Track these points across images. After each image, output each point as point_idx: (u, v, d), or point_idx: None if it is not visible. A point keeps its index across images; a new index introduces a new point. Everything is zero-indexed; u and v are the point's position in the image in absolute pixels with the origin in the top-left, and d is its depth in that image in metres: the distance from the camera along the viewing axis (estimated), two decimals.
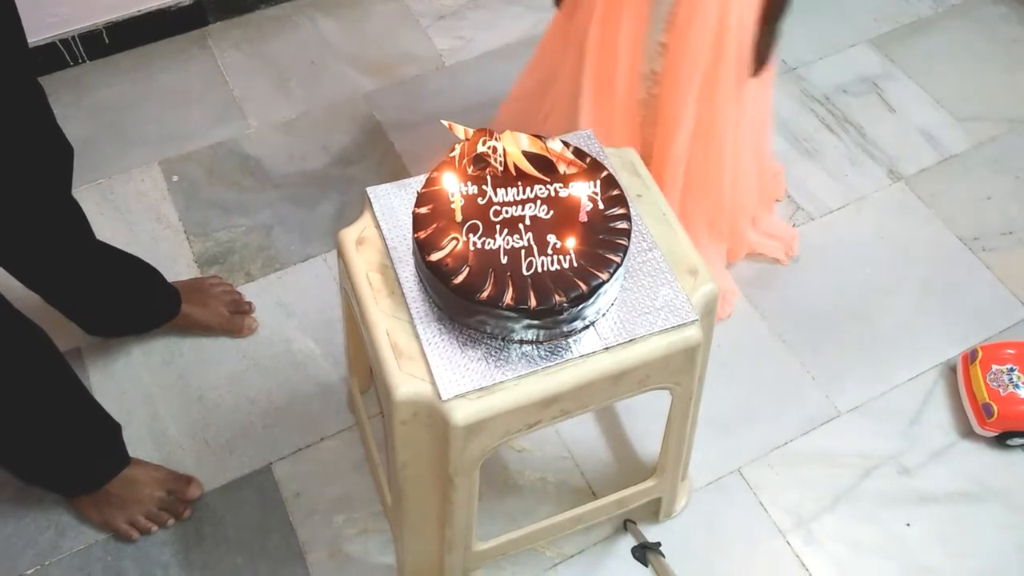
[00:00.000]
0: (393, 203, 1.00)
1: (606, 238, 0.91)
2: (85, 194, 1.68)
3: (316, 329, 1.51)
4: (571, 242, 0.90)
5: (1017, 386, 1.35)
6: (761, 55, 1.26)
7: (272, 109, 1.81)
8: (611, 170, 0.99)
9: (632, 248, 0.97)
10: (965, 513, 1.34)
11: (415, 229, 0.91)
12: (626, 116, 1.34)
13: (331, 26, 1.94)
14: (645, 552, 1.17)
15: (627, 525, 1.29)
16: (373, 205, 1.00)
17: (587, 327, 0.91)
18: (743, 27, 1.23)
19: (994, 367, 1.38)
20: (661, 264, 0.95)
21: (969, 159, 1.74)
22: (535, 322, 0.87)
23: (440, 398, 0.87)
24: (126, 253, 1.38)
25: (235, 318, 1.51)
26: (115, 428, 1.30)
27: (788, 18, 1.25)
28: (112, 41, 1.86)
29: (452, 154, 0.94)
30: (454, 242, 0.90)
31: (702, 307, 0.95)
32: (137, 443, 1.39)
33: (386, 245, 0.97)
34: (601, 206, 0.93)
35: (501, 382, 0.88)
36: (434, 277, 0.89)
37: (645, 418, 1.40)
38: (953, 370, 1.46)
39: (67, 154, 1.17)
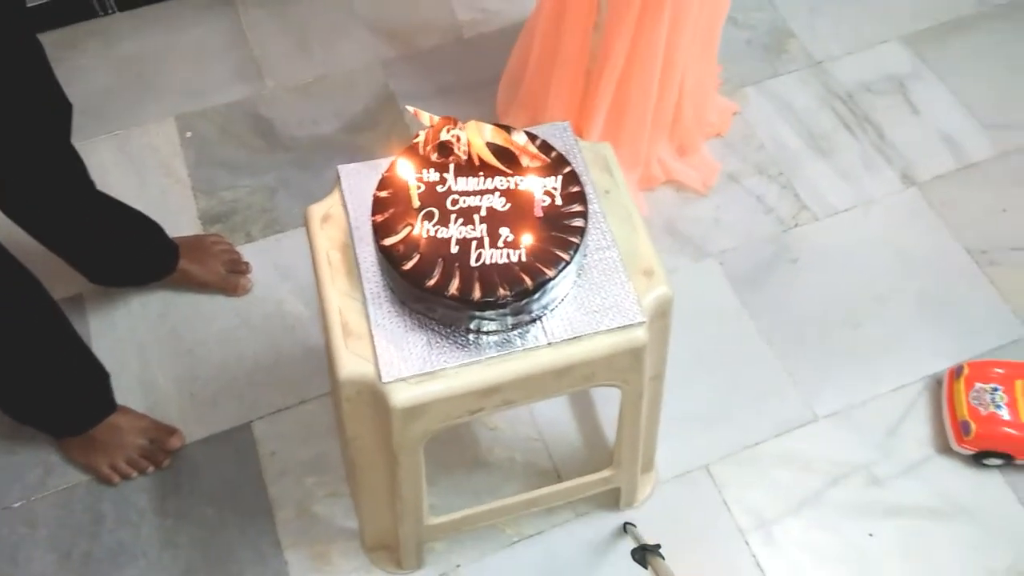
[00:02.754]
0: (362, 183, 1.02)
1: (559, 235, 0.91)
2: (101, 144, 1.73)
3: (308, 293, 1.55)
4: (524, 236, 0.90)
5: (999, 406, 1.32)
6: None
7: (290, 71, 1.83)
8: (577, 166, 0.99)
9: (590, 245, 0.97)
10: (931, 529, 1.32)
11: (373, 212, 0.93)
12: (573, 68, 1.43)
13: None
14: (645, 554, 1.18)
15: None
16: (342, 183, 1.02)
17: (533, 321, 0.92)
18: None
19: (978, 385, 1.35)
20: (616, 263, 0.96)
21: (990, 168, 1.69)
22: (478, 313, 0.88)
23: (381, 380, 0.89)
24: (127, 206, 1.42)
25: (231, 277, 1.55)
26: (104, 376, 1.36)
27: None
28: None
29: (416, 140, 0.95)
30: (408, 228, 0.91)
31: (654, 309, 0.96)
32: (127, 391, 1.45)
33: (349, 224, 0.99)
34: (559, 202, 0.93)
35: (442, 368, 0.90)
36: (386, 261, 0.90)
37: (618, 405, 1.41)
38: (940, 384, 1.43)
39: (65, 109, 1.21)
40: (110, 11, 1.89)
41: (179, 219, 1.64)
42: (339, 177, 1.03)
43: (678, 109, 1.57)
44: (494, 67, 1.75)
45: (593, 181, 1.01)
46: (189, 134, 1.75)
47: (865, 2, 1.92)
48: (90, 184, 1.34)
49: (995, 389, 1.33)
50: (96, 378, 1.35)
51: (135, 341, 1.51)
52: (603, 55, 1.41)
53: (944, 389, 1.40)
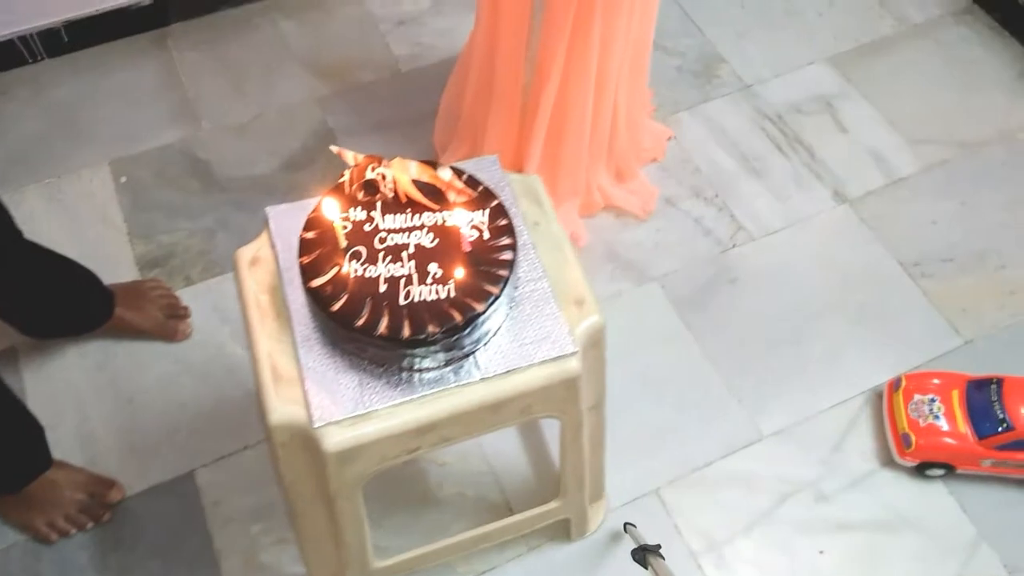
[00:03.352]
0: (289, 224, 1.01)
1: (487, 269, 0.91)
2: (33, 193, 1.70)
3: None
4: (452, 272, 0.90)
5: (937, 417, 1.35)
6: None
7: (225, 111, 1.82)
8: (506, 198, 0.99)
9: (521, 277, 0.97)
10: (880, 542, 1.34)
11: (300, 253, 0.92)
12: (509, 101, 1.44)
13: (291, 28, 1.95)
14: (645, 554, 1.18)
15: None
16: (270, 224, 1.01)
17: (466, 356, 0.91)
18: None
19: (916, 396, 1.37)
20: (547, 294, 0.96)
21: (917, 182, 1.73)
22: (409, 351, 0.88)
23: (312, 424, 0.88)
24: (59, 255, 1.39)
25: (169, 322, 1.52)
26: (38, 431, 1.32)
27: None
28: (71, 39, 1.87)
29: (341, 180, 0.94)
30: (336, 268, 0.90)
31: (586, 338, 0.96)
32: (65, 445, 1.41)
33: (279, 266, 0.98)
34: (487, 236, 0.93)
35: (375, 410, 0.89)
36: (314, 303, 0.89)
37: None
38: (880, 397, 1.45)
39: None
40: (39, 58, 1.86)
41: (116, 265, 1.61)
42: (267, 219, 1.02)
43: (613, 135, 1.59)
44: (431, 101, 1.76)
45: (522, 213, 1.02)
46: (124, 179, 1.72)
47: (791, 26, 1.97)
48: (17, 235, 1.31)
49: (932, 400, 1.36)
50: (30, 434, 1.31)
51: (72, 393, 1.47)
52: (537, 85, 1.43)
53: (884, 402, 1.42)
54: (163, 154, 1.76)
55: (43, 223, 1.66)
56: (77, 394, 1.47)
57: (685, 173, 1.74)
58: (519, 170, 1.58)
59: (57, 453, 1.36)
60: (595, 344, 0.98)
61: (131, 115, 1.81)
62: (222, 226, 1.67)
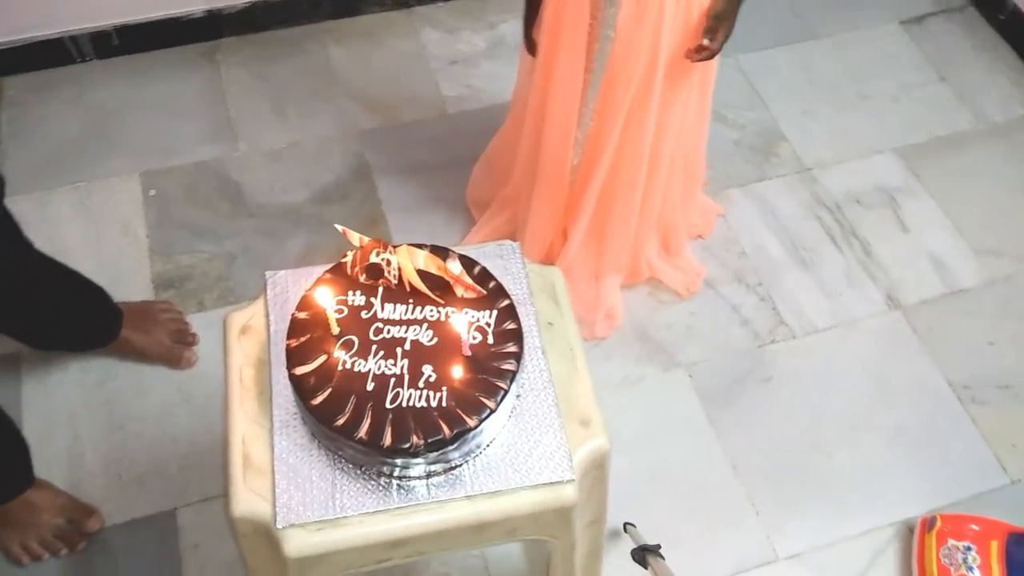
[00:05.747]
0: (289, 293, 0.95)
1: (486, 378, 0.83)
2: (63, 196, 1.68)
3: None
4: (448, 377, 0.83)
5: (971, 568, 1.23)
6: (708, 49, 1.22)
7: (264, 134, 1.78)
8: (520, 293, 0.92)
9: (526, 385, 0.89)
10: None
11: (288, 335, 0.86)
12: (555, 179, 1.38)
13: (341, 56, 1.90)
14: (645, 554, 1.15)
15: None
16: (268, 291, 0.95)
17: (452, 469, 0.84)
18: (672, 48, 1.22)
19: (950, 541, 1.26)
20: (551, 409, 0.88)
21: (978, 296, 1.61)
22: (388, 460, 0.81)
23: (275, 524, 0.81)
24: (69, 270, 1.35)
25: (175, 348, 1.48)
26: (23, 449, 1.28)
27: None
28: (121, 43, 1.85)
29: (344, 260, 0.88)
30: (324, 357, 0.84)
31: (588, 463, 0.87)
32: (52, 461, 1.37)
33: (269, 339, 0.92)
34: (491, 340, 0.86)
35: (345, 516, 0.82)
36: (296, 392, 0.83)
37: None
38: (911, 532, 1.34)
39: None
40: (88, 58, 1.84)
41: (131, 281, 1.58)
42: (264, 285, 0.96)
43: (663, 208, 1.51)
44: (474, 148, 1.69)
45: (537, 311, 0.94)
46: (153, 192, 1.69)
47: (861, 109, 1.86)
48: (27, 246, 1.27)
49: (968, 549, 1.24)
50: (14, 451, 1.27)
51: (68, 410, 1.44)
52: (586, 165, 1.37)
53: (915, 540, 1.31)
54: (196, 171, 1.72)
55: (67, 228, 1.63)
56: (72, 412, 1.43)
57: (730, 255, 1.65)
58: (563, 241, 1.50)
59: (43, 470, 1.32)
60: (597, 467, 0.90)
61: (170, 127, 1.78)
62: (244, 252, 1.62)
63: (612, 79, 1.25)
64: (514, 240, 1.51)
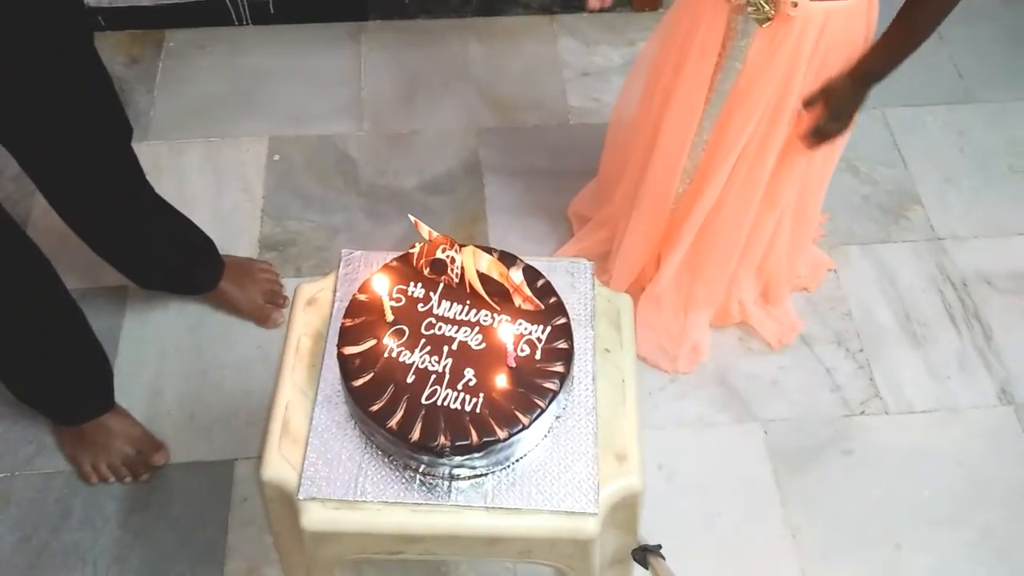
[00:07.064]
0: (359, 273, 0.96)
1: (526, 392, 0.82)
2: (196, 147, 1.78)
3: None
4: (488, 384, 0.82)
5: None
6: (823, 131, 1.15)
7: (389, 118, 1.83)
8: (582, 314, 0.90)
9: (568, 408, 0.87)
10: None
11: (345, 314, 0.87)
12: (657, 205, 1.36)
13: (478, 53, 1.93)
14: (645, 554, 1.10)
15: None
16: (340, 268, 0.97)
17: (475, 477, 0.83)
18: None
19: None
20: (589, 437, 0.85)
21: None
22: (414, 455, 0.81)
23: (297, 495, 0.82)
24: (183, 217, 1.42)
25: (266, 308, 1.54)
26: (107, 373, 1.37)
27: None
28: (277, 12, 1.94)
29: (412, 250, 0.89)
30: (373, 341, 0.84)
31: (616, 499, 0.84)
32: (135, 391, 1.45)
33: (332, 315, 0.94)
34: (539, 356, 0.84)
35: (365, 501, 0.82)
36: (340, 370, 0.84)
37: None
38: None
39: (124, 133, 1.22)
40: (244, 23, 1.95)
41: (240, 237, 1.65)
42: (339, 261, 0.98)
43: (768, 253, 1.44)
44: (588, 160, 1.67)
45: (596, 335, 0.92)
46: (277, 157, 1.77)
47: (1009, 185, 1.71)
48: (145, 188, 1.34)
49: None
50: (97, 373, 1.36)
51: (159, 347, 1.52)
52: (690, 196, 1.33)
53: None
54: (320, 143, 1.79)
55: (193, 177, 1.73)
56: (163, 349, 1.51)
57: (834, 314, 1.56)
58: (656, 268, 1.47)
59: (124, 398, 1.41)
60: (627, 506, 0.86)
61: (305, 98, 1.85)
62: (348, 228, 1.67)
63: (731, 112, 1.20)
64: (607, 260, 1.52)
